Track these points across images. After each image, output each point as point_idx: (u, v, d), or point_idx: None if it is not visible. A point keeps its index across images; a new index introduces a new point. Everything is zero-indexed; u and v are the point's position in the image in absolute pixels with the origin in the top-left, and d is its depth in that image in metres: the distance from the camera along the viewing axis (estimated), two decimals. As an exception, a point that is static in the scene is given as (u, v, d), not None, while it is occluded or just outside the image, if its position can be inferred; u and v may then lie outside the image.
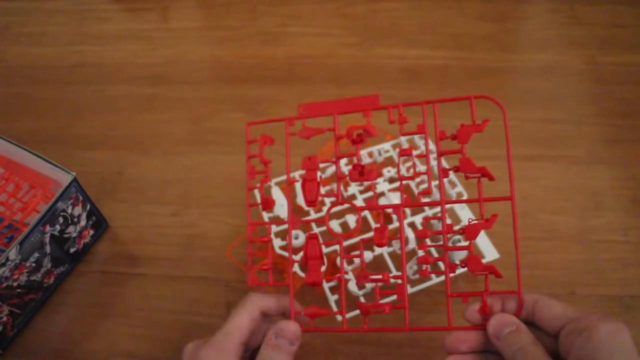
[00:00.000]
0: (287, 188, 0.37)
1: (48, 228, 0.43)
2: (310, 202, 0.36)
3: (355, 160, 0.36)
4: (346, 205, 0.46)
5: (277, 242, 0.44)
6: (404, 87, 0.61)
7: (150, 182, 0.54)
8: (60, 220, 0.44)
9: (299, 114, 0.37)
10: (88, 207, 0.47)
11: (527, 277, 0.45)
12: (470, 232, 0.33)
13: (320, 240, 0.36)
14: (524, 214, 0.49)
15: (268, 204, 0.37)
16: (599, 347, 0.28)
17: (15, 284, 0.41)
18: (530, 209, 0.49)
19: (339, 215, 0.44)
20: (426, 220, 0.36)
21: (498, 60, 0.63)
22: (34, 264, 0.43)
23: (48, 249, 0.44)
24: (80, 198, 0.45)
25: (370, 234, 0.36)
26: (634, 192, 0.50)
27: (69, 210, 0.44)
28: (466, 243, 0.40)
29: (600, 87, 0.59)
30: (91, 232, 0.49)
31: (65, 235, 0.45)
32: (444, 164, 0.35)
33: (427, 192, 0.34)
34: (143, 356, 0.43)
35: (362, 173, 0.35)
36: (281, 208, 0.46)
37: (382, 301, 0.35)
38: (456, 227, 0.35)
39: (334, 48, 0.66)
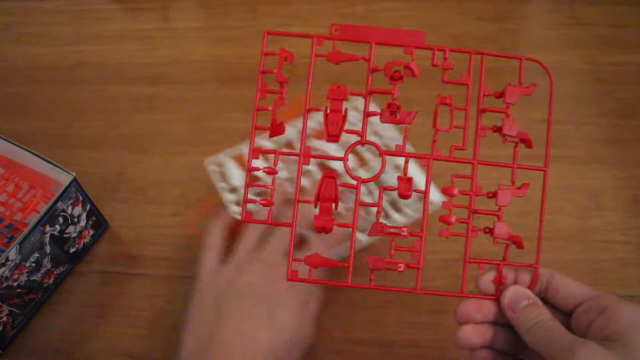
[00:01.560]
0: (305, 116, 0.33)
1: (48, 228, 0.43)
2: (332, 137, 0.32)
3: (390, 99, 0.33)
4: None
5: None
6: (404, 87, 0.60)
7: (150, 182, 0.54)
8: (60, 220, 0.44)
9: (331, 33, 0.33)
10: (88, 207, 0.47)
11: (527, 277, 0.45)
12: (502, 197, 0.32)
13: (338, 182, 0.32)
14: (524, 214, 0.49)
15: (278, 129, 0.33)
16: (626, 327, 0.27)
17: (15, 284, 0.41)
18: (530, 208, 0.49)
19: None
20: (455, 177, 0.33)
21: (498, 61, 0.63)
22: (33, 264, 0.43)
23: (48, 249, 0.44)
24: (80, 198, 0.45)
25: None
26: (634, 192, 0.50)
27: (69, 210, 0.44)
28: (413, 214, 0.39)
29: (600, 87, 0.59)
30: (91, 232, 0.49)
31: (65, 236, 0.45)
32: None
33: (461, 148, 0.32)
34: (143, 356, 0.43)
35: (395, 114, 0.32)
36: (239, 177, 0.45)
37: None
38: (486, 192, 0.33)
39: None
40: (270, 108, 0.33)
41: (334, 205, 0.32)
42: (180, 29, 0.71)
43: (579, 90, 0.59)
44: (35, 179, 0.47)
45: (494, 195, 0.32)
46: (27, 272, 0.42)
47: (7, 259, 0.39)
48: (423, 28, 0.67)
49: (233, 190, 0.46)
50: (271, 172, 0.32)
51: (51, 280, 0.46)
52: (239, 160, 0.48)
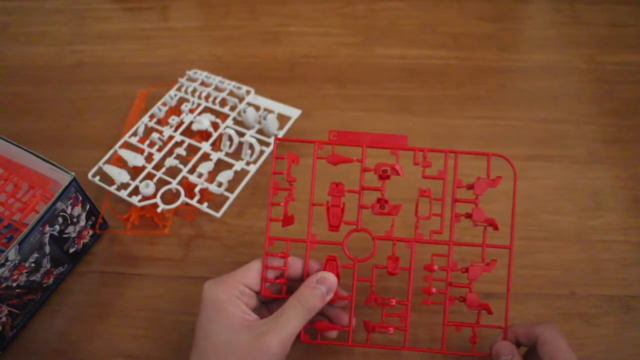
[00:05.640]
0: (310, 209, 0.39)
1: (47, 228, 0.43)
2: (333, 227, 0.38)
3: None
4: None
5: None
6: (404, 86, 0.61)
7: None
8: (60, 220, 0.44)
9: (330, 139, 0.39)
10: (88, 207, 0.47)
11: (528, 277, 0.45)
12: (472, 273, 0.38)
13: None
14: (525, 214, 0.49)
15: (289, 220, 0.39)
16: None
17: (14, 284, 0.41)
18: (530, 208, 0.49)
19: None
20: (434, 256, 0.39)
21: (498, 60, 0.63)
22: (33, 264, 0.42)
23: (47, 249, 0.43)
24: (80, 198, 0.45)
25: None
26: (634, 192, 0.50)
27: (69, 211, 0.44)
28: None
29: (600, 87, 0.59)
30: (90, 232, 0.48)
31: (65, 236, 0.45)
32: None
33: (439, 232, 0.38)
34: (143, 356, 0.43)
35: (384, 207, 0.38)
36: (119, 176, 0.50)
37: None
38: (460, 265, 0.39)
39: (334, 48, 0.66)
40: (282, 204, 0.39)
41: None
42: (180, 28, 0.71)
43: (579, 90, 0.59)
44: (35, 179, 0.47)
45: (466, 270, 0.38)
46: (26, 273, 0.42)
47: (6, 259, 0.39)
48: (423, 28, 0.68)
49: (123, 186, 0.50)
50: (284, 255, 0.39)
51: (51, 281, 0.46)
52: (115, 161, 0.53)
